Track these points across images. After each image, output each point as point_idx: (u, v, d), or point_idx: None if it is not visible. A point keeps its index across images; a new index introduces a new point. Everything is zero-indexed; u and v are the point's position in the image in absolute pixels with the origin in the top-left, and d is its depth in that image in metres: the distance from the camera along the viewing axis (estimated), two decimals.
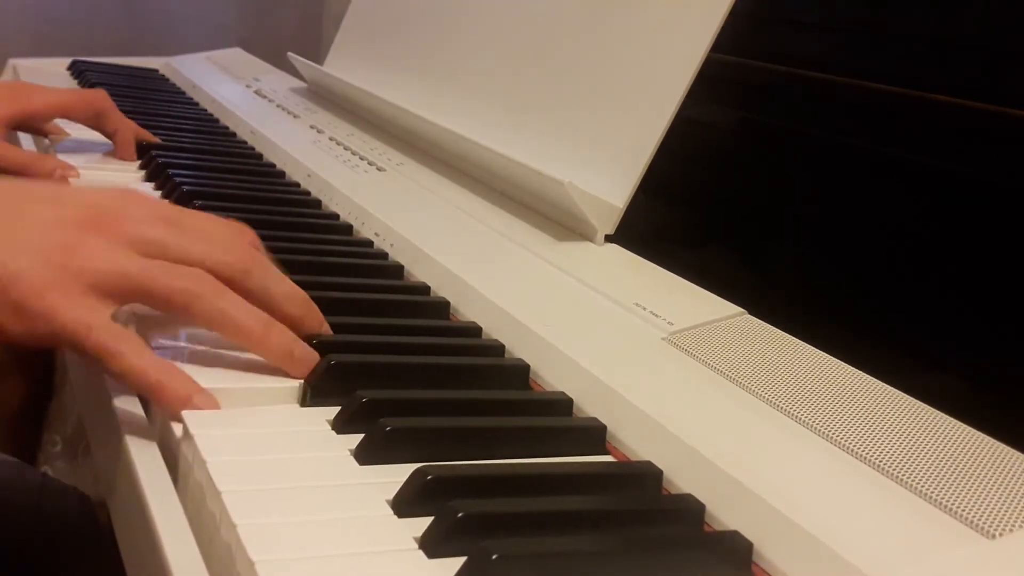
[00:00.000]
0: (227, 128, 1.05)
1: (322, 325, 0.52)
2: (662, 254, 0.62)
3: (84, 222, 0.46)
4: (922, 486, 0.39)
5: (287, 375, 0.48)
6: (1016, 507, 0.38)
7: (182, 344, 0.50)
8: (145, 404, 0.47)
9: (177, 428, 0.43)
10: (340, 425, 0.45)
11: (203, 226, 0.50)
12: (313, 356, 0.49)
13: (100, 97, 0.88)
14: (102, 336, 0.44)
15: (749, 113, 0.80)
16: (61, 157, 0.82)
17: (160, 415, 0.45)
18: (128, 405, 0.46)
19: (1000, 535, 0.37)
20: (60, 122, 0.92)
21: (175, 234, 0.48)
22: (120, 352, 0.44)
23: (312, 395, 0.47)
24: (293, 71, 1.20)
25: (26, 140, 0.92)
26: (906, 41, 0.68)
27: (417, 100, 0.90)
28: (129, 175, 0.85)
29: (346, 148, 0.90)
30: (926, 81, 0.65)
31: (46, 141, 0.90)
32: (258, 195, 0.80)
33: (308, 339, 0.50)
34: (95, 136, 0.90)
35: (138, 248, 0.47)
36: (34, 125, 0.89)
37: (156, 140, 0.92)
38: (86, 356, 0.45)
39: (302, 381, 0.48)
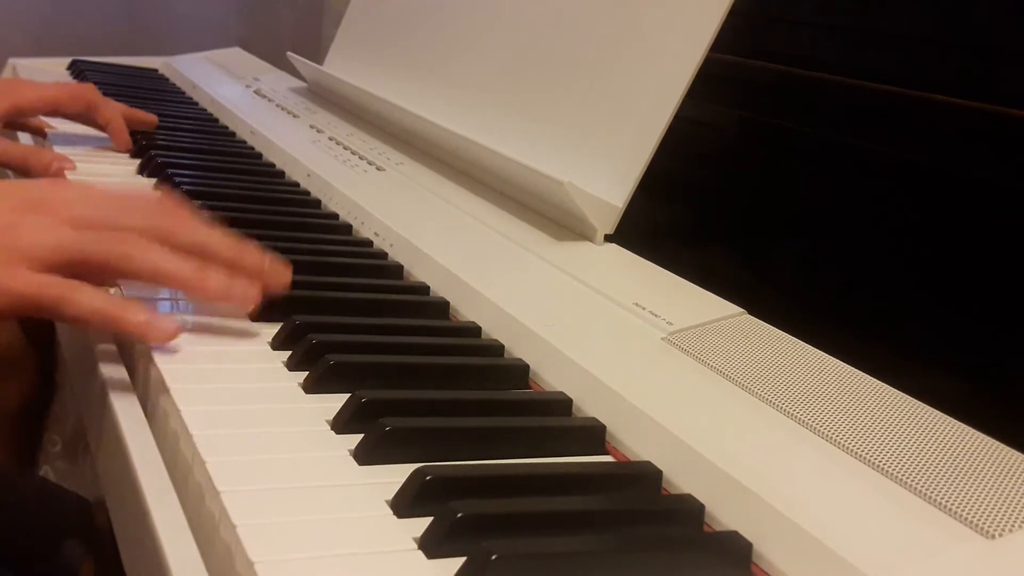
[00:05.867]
0: (227, 128, 1.05)
1: (263, 257, 0.54)
2: (662, 254, 0.62)
3: (21, 207, 0.50)
4: (922, 486, 0.39)
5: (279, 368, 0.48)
6: (1016, 507, 0.38)
7: (183, 348, 0.50)
8: (145, 404, 0.47)
9: (177, 427, 0.43)
10: (340, 425, 0.45)
11: (128, 200, 0.54)
12: (252, 290, 0.52)
13: (90, 90, 0.89)
14: (57, 289, 0.48)
15: (749, 113, 0.80)
16: (56, 150, 0.83)
17: (160, 414, 0.45)
18: (129, 406, 0.46)
19: (1000, 535, 0.37)
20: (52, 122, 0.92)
21: (104, 209, 0.52)
22: (76, 298, 0.48)
23: (310, 393, 0.47)
24: (293, 71, 1.20)
25: (25, 138, 0.92)
26: (906, 41, 0.68)
27: (417, 100, 0.90)
28: (125, 168, 0.85)
29: (346, 148, 0.90)
30: (926, 81, 0.65)
31: (44, 141, 0.90)
32: (258, 195, 0.80)
33: (307, 340, 0.51)
34: (87, 130, 0.91)
35: (72, 225, 0.50)
36: (24, 120, 0.89)
37: (153, 119, 0.93)
38: (44, 313, 0.48)
39: (302, 381, 0.48)
